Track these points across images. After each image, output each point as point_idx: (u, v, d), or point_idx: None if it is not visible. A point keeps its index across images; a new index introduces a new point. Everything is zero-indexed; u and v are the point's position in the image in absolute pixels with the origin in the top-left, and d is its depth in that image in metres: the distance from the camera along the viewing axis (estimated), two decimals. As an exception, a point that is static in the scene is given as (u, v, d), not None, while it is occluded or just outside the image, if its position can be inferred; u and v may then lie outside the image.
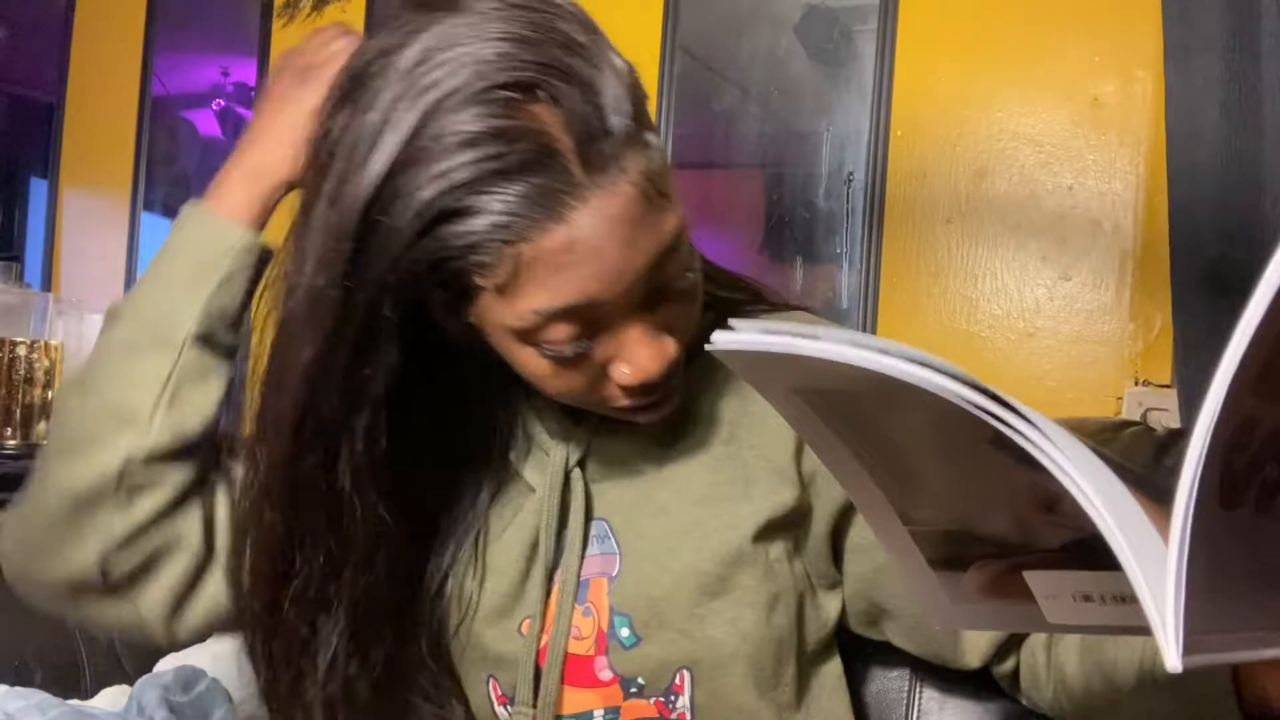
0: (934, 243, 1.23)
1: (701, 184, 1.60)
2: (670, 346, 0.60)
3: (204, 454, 0.66)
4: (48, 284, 2.18)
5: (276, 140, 0.66)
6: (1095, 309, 1.14)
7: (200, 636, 0.69)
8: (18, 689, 0.72)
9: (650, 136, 0.56)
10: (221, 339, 0.66)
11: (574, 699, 0.69)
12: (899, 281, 1.25)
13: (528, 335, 0.57)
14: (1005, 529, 0.48)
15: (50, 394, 1.60)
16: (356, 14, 1.76)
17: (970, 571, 0.50)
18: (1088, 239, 1.14)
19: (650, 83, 1.40)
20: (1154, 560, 0.34)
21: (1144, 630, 0.50)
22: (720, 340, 0.38)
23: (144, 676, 0.76)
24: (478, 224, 0.52)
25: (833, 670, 0.75)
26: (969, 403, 0.36)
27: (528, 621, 0.68)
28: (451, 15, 0.54)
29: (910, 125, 1.25)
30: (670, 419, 0.67)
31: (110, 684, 0.91)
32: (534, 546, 0.69)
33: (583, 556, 0.69)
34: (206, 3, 2.04)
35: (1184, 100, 1.01)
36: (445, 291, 0.56)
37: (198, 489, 0.66)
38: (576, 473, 0.69)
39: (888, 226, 1.25)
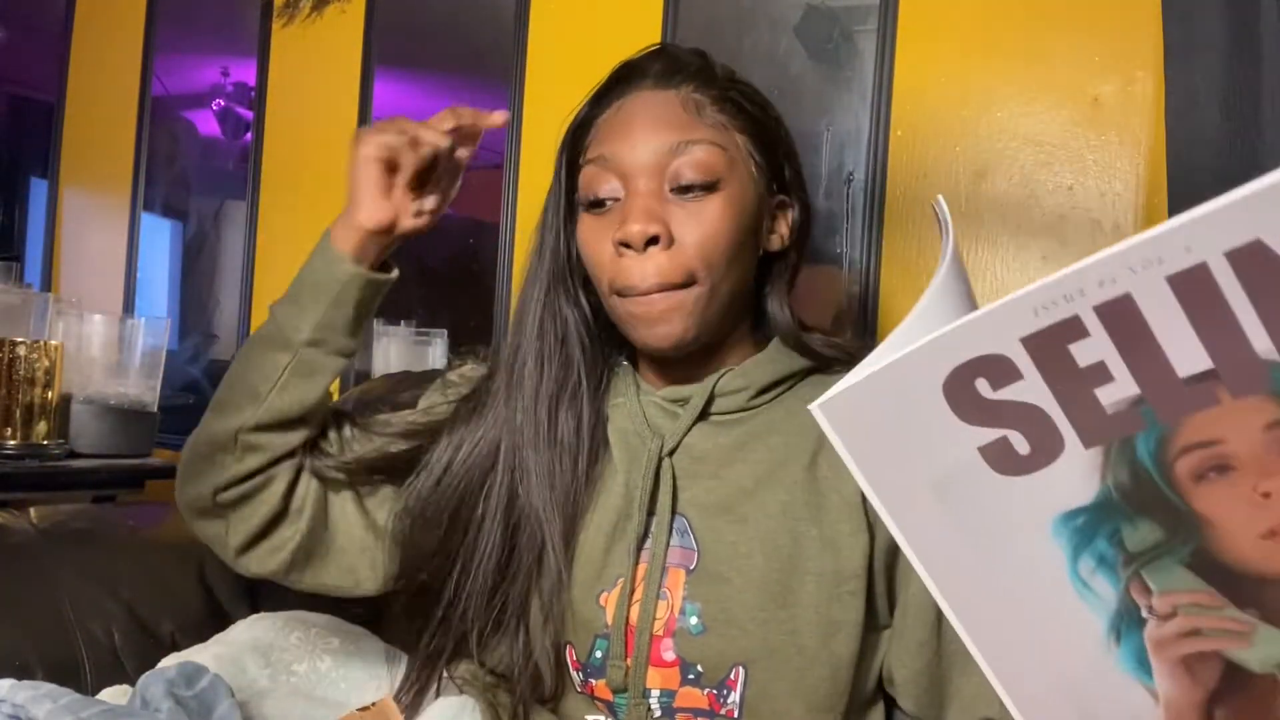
0: (934, 243, 1.23)
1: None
2: (657, 228, 0.76)
3: (300, 433, 0.82)
4: (48, 284, 2.18)
5: (356, 197, 0.80)
6: (1095, 309, 1.14)
7: (258, 573, 0.85)
8: (25, 681, 0.72)
9: (723, 108, 0.81)
10: (334, 344, 0.81)
11: None
12: (899, 281, 1.25)
13: (589, 189, 0.81)
14: None
15: (50, 394, 1.60)
16: (356, 14, 1.77)
17: None
18: (1088, 239, 1.14)
19: (651, 83, 1.40)
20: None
21: None
22: (814, 406, 0.44)
23: (147, 672, 0.76)
24: (591, 112, 0.84)
25: (877, 716, 0.81)
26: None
27: (605, 594, 0.78)
28: None
29: (910, 125, 1.25)
30: (754, 436, 0.80)
31: (111, 684, 0.91)
32: (617, 526, 0.80)
33: (668, 543, 0.78)
34: (206, 3, 2.04)
35: (1184, 100, 1.01)
36: (572, 187, 0.84)
37: (289, 458, 0.82)
38: (667, 461, 0.80)
39: (888, 226, 1.25)
